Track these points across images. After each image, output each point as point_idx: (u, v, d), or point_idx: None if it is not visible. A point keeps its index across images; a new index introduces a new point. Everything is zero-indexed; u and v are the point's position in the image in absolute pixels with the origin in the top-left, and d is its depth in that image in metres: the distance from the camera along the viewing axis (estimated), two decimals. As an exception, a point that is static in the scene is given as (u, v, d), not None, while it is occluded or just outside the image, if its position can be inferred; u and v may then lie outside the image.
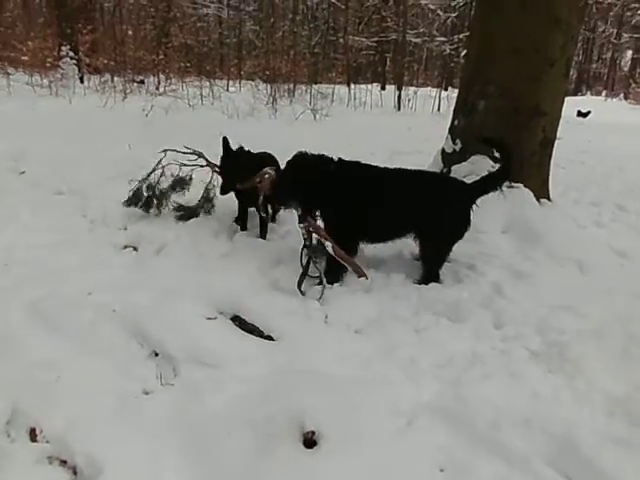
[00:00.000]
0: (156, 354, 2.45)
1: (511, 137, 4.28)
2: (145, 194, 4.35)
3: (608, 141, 11.92)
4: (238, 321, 2.74)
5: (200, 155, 4.60)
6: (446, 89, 19.70)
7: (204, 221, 4.31)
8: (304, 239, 3.42)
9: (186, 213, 4.36)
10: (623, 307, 3.17)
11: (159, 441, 1.93)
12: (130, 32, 18.91)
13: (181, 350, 2.41)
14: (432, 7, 29.26)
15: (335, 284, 3.36)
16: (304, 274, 3.29)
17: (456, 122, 4.72)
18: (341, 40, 31.32)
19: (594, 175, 7.74)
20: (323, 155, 3.50)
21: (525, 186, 4.37)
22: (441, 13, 27.17)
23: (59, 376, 2.18)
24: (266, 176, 3.85)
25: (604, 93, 39.88)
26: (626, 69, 45.83)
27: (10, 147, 6.28)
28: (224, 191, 4.05)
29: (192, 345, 2.44)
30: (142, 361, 2.42)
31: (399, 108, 17.81)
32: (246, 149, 4.22)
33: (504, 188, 3.83)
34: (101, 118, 9.88)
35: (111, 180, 5.40)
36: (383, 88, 24.01)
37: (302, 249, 3.43)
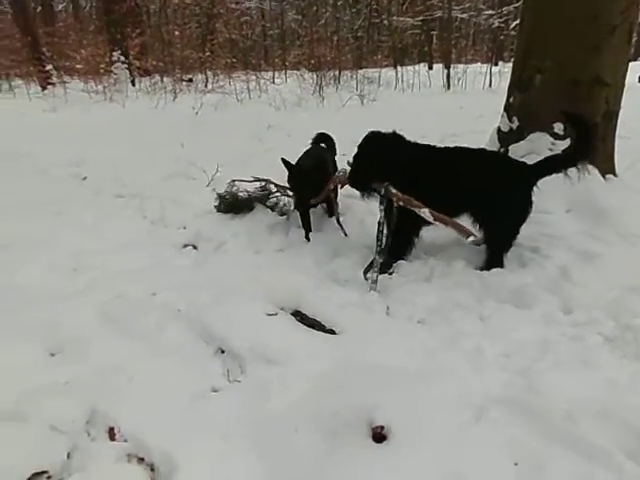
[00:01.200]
0: (222, 351, 2.49)
1: (571, 111, 4.08)
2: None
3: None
4: (299, 316, 2.74)
5: (268, 181, 4.62)
6: (496, 64, 19.03)
7: (259, 215, 4.35)
8: (384, 218, 3.32)
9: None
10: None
11: (229, 438, 1.96)
12: (177, 32, 19.23)
13: (246, 347, 2.43)
14: (478, -20, 28.37)
15: (388, 272, 3.34)
16: (380, 252, 3.22)
17: (511, 99, 4.53)
18: (385, 22, 30.75)
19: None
20: (395, 131, 3.53)
21: (589, 162, 4.15)
22: (488, -15, 26.28)
23: (132, 377, 2.25)
24: (334, 185, 3.89)
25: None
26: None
27: (71, 154, 6.54)
28: (300, 207, 4.02)
29: (256, 342, 2.46)
30: (209, 359, 2.47)
31: (449, 87, 17.33)
32: (305, 159, 4.21)
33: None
34: (154, 119, 10.11)
35: (167, 180, 5.54)
36: (430, 67, 23.44)
37: (380, 229, 3.29)
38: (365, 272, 3.27)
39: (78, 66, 15.42)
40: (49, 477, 1.81)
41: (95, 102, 12.73)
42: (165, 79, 15.22)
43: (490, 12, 25.07)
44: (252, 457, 1.89)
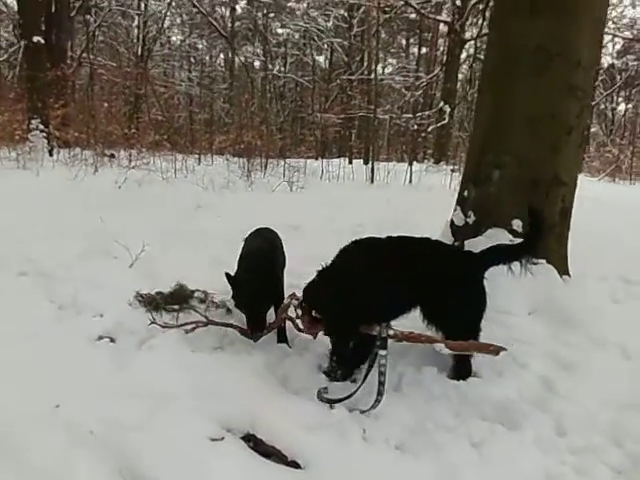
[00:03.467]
0: None
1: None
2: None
3: (586, 214, 11.96)
4: (252, 441, 2.14)
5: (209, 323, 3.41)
6: (411, 164, 19.88)
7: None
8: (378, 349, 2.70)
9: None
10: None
11: None
12: (103, 106, 18.70)
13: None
14: (397, 86, 30.56)
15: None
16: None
17: (466, 193, 4.38)
18: (309, 117, 32.08)
19: (589, 248, 7.53)
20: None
21: (547, 262, 4.00)
22: (406, 92, 28.25)
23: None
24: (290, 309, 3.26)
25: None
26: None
27: (-31, 222, 5.66)
28: (255, 326, 3.19)
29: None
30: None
31: (372, 181, 17.84)
32: (250, 264, 3.49)
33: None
34: (71, 191, 9.31)
35: (82, 258, 4.81)
36: (350, 162, 24.28)
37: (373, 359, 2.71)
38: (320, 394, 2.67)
39: (-9, 132, 14.40)
40: None
41: (6, 169, 11.74)
42: (86, 152, 14.47)
43: (408, 116, 26.73)
44: None
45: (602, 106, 44.59)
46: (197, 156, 18.81)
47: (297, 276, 3.89)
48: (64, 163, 13.46)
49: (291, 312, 3.28)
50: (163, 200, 8.95)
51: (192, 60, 37.39)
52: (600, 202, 13.56)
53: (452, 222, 4.49)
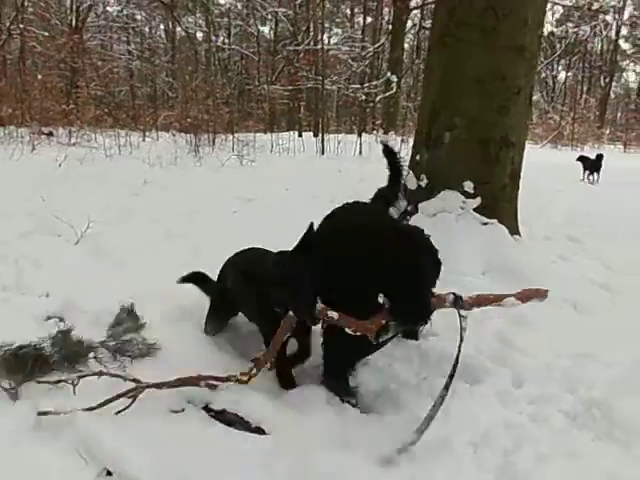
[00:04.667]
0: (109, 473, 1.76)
1: (481, 171, 4.03)
2: None
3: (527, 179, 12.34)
4: (213, 411, 2.09)
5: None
6: (360, 135, 19.88)
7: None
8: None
9: None
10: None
11: None
12: (37, 80, 17.65)
13: (145, 468, 1.73)
14: (343, 57, 30.30)
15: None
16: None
17: (418, 157, 4.39)
18: (256, 90, 31.49)
19: (533, 210, 7.74)
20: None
21: (499, 222, 4.08)
22: (352, 63, 28.10)
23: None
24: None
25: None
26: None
27: None
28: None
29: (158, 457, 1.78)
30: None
31: (323, 152, 17.77)
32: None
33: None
34: (8, 170, 8.83)
35: (25, 236, 4.56)
36: (300, 135, 24.09)
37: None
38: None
39: None
40: None
41: None
42: (22, 130, 13.70)
43: (356, 86, 26.62)
44: None
45: (543, 74, 45.84)
46: (141, 132, 18.19)
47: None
48: (-1, 142, 12.73)
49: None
50: (108, 177, 8.60)
51: (131, 32, 35.79)
52: (544, 167, 14.09)
53: (405, 186, 4.50)
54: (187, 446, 1.93)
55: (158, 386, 2.10)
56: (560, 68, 45.31)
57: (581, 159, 14.27)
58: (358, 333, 2.16)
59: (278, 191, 8.42)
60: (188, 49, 33.68)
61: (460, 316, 2.35)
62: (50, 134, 15.18)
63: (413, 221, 4.21)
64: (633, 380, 2.54)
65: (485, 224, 3.99)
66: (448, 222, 3.98)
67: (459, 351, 2.27)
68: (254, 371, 2.21)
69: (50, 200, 6.01)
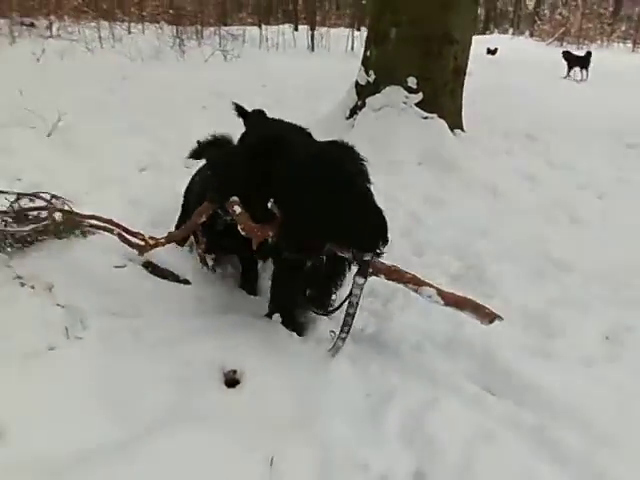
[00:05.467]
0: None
1: (423, 66, 4.25)
2: None
3: (516, 76, 12.25)
4: (150, 267, 2.56)
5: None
6: (359, 29, 19.30)
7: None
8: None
9: None
10: (535, 228, 3.28)
11: (73, 396, 1.77)
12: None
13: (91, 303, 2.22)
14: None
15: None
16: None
17: (368, 52, 4.60)
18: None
19: (505, 108, 7.90)
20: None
21: (439, 116, 4.37)
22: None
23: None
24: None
25: (511, 31, 40.89)
26: (531, 7, 46.92)
27: None
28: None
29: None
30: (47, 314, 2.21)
31: (313, 49, 17.35)
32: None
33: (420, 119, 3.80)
34: (-17, 64, 8.87)
35: (1, 127, 4.86)
36: (296, 29, 23.25)
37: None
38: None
39: None
40: None
41: None
42: (1, 21, 13.36)
43: (354, -23, 25.26)
44: (100, 412, 1.72)
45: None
46: (126, 25, 17.63)
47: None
48: (-24, 35, 12.49)
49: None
50: (86, 72, 8.66)
51: None
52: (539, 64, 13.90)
53: (357, 82, 4.74)
54: (130, 292, 2.41)
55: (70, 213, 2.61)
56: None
57: (565, 55, 13.81)
58: (244, 234, 2.10)
59: (255, 89, 8.52)
60: None
61: (354, 283, 2.11)
62: (31, 25, 14.75)
63: (361, 115, 4.50)
64: (516, 252, 3.01)
65: (425, 118, 4.28)
66: (391, 116, 4.28)
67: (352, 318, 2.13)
68: (162, 241, 2.55)
69: (27, 94, 6.21)
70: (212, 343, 1.98)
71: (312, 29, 18.19)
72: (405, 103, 4.27)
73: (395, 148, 4.03)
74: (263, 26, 19.82)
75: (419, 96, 4.28)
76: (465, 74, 4.64)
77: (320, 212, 1.92)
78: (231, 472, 1.51)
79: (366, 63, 4.61)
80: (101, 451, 1.55)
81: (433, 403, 1.79)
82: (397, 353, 2.07)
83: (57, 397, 1.79)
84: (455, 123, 4.61)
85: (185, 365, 1.88)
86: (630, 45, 31.89)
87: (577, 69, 13.69)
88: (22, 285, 2.31)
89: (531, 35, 36.51)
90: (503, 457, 1.62)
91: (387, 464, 1.61)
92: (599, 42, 31.34)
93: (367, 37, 4.68)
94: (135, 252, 2.57)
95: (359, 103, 4.58)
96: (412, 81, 4.30)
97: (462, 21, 4.31)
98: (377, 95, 4.39)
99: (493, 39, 29.06)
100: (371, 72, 4.51)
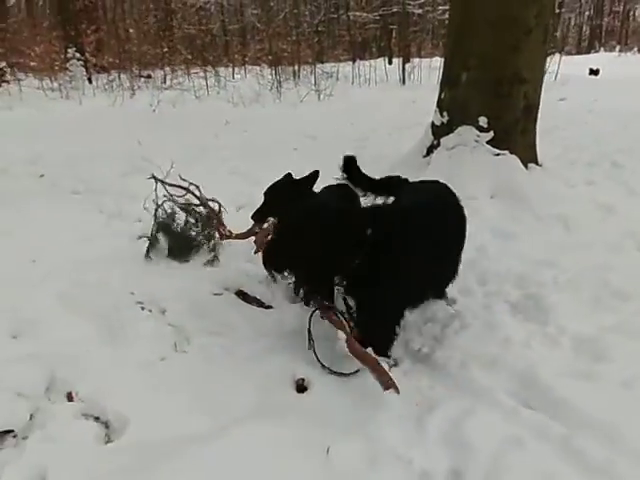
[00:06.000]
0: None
1: (494, 106, 4.51)
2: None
3: (616, 99, 11.84)
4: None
5: (188, 191, 3.81)
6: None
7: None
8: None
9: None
10: (599, 258, 3.40)
11: (175, 396, 2.26)
12: (131, 29, 19.05)
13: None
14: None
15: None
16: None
17: (442, 95, 4.94)
18: (343, 17, 31.06)
19: (595, 135, 7.77)
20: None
21: (511, 152, 4.59)
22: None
23: (88, 349, 2.52)
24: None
25: (617, 48, 38.99)
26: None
27: (27, 151, 6.65)
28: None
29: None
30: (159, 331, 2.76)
31: (404, 82, 17.77)
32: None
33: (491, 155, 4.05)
34: (111, 116, 10.19)
35: (124, 176, 5.73)
36: (390, 62, 23.87)
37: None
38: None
39: (32, 63, 15.22)
40: (14, 435, 2.07)
41: (51, 99, 12.66)
42: (123, 76, 15.16)
43: (445, 7, 25.60)
44: (197, 408, 2.20)
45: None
46: (230, 71, 19.13)
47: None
48: (103, 89, 14.26)
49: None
50: (194, 119, 9.71)
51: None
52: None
53: (432, 123, 5.08)
54: (225, 315, 2.92)
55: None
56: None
57: None
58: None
59: (343, 126, 9.07)
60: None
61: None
62: (149, 76, 16.51)
63: (436, 153, 4.83)
64: (577, 281, 3.17)
65: (497, 155, 4.52)
66: (463, 154, 4.57)
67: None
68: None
69: (144, 143, 7.19)
70: (287, 357, 2.43)
71: (404, 62, 18.63)
72: (477, 141, 4.54)
73: (468, 184, 4.28)
74: (358, 61, 20.64)
75: (490, 134, 4.54)
76: (537, 111, 4.82)
77: None
78: (295, 459, 1.90)
79: (440, 105, 4.95)
80: (196, 437, 2.01)
81: (471, 412, 2.07)
82: (446, 370, 2.37)
83: (164, 396, 2.29)
84: (529, 157, 4.78)
85: (265, 375, 2.33)
86: None
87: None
88: (142, 309, 2.90)
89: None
90: (530, 461, 1.87)
91: (428, 462, 1.91)
92: None
93: (441, 80, 5.03)
94: (230, 281, 3.10)
95: (435, 142, 4.92)
96: (483, 121, 4.57)
97: (531, 61, 4.54)
98: (450, 135, 4.70)
99: (598, 58, 27.95)
100: (445, 113, 4.84)
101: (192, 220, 3.66)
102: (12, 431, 2.08)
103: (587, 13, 49.71)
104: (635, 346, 2.52)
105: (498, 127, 4.52)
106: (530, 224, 4.00)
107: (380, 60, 22.63)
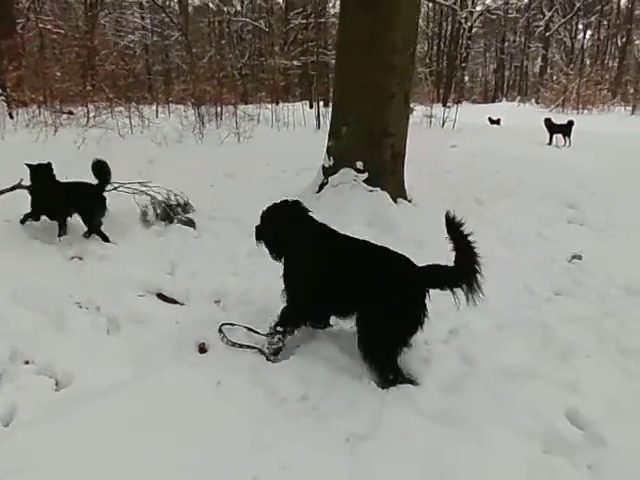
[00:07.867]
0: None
1: (367, 153, 5.71)
2: None
3: (501, 145, 13.47)
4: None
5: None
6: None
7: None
8: None
9: None
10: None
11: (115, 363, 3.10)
12: (55, 65, 19.08)
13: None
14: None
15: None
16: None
17: (329, 144, 6.14)
18: (265, 62, 32.56)
19: (472, 177, 9.18)
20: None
21: (382, 189, 5.78)
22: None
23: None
24: None
25: (518, 99, 43.09)
26: (536, 75, 49.37)
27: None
28: None
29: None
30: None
31: (319, 126, 18.99)
32: None
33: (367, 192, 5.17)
34: (34, 153, 10.25)
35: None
36: (311, 106, 25.19)
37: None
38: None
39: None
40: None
41: (-30, 135, 12.71)
42: (44, 112, 15.26)
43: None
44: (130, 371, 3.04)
45: (561, 35, 45.50)
46: (154, 109, 19.59)
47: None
48: (24, 125, 14.31)
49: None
50: (119, 157, 10.23)
51: (145, 3, 36.30)
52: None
53: (323, 165, 6.23)
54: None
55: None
56: (580, 28, 44.82)
57: (547, 123, 14.87)
58: None
59: (259, 166, 9.98)
60: (199, 22, 34.56)
61: None
62: (70, 113, 16.60)
63: (325, 190, 5.94)
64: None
65: (371, 191, 5.70)
66: (344, 191, 5.73)
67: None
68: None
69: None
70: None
71: (325, 105, 19.69)
72: (355, 180, 5.73)
73: (349, 214, 5.37)
74: (281, 103, 21.59)
75: (365, 175, 5.75)
76: (404, 157, 6.09)
77: None
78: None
79: (328, 151, 6.14)
80: (123, 383, 2.88)
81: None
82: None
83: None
84: (397, 194, 6.01)
85: (176, 341, 3.24)
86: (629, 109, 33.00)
87: (560, 136, 14.83)
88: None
89: (536, 102, 38.38)
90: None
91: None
92: (600, 107, 32.89)
93: (328, 132, 6.23)
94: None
95: (324, 181, 6.06)
96: (360, 164, 5.78)
97: (396, 118, 5.83)
98: (335, 175, 5.88)
99: (499, 107, 30.78)
100: (331, 158, 6.03)
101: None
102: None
103: (492, 66, 54.80)
104: None
105: (371, 169, 5.71)
106: (392, 244, 5.09)
107: (300, 104, 23.88)
